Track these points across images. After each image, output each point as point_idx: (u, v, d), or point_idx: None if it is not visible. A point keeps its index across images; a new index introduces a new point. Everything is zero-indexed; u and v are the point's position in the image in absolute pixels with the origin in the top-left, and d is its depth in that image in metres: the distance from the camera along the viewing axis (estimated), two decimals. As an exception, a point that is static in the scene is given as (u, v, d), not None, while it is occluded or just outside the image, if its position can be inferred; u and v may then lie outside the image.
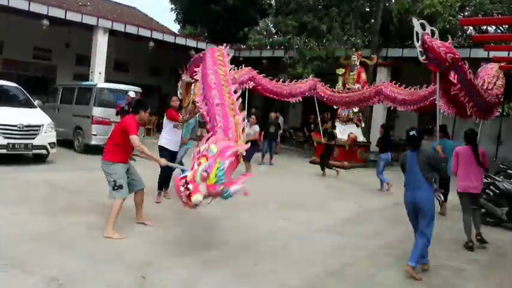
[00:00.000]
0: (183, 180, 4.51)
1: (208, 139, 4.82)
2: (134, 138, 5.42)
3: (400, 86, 12.01)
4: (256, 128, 11.17)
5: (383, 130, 11.05)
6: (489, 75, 8.02)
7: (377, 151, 16.81)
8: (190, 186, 4.42)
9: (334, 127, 15.12)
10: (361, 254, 5.79)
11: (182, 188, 4.46)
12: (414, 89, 11.31)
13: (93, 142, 12.12)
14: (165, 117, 7.69)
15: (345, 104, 13.83)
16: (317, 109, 14.52)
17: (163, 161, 5.82)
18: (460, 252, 6.28)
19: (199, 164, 4.53)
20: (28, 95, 11.07)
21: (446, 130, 9.02)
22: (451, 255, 6.04)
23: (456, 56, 5.65)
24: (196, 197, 4.38)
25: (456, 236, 7.11)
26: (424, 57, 5.76)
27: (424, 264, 5.25)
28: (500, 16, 17.98)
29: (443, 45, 5.61)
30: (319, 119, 14.89)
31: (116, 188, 5.47)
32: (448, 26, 18.01)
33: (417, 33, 5.69)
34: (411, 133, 5.24)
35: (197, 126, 9.49)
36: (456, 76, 5.88)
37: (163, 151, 7.40)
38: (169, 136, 7.60)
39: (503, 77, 8.36)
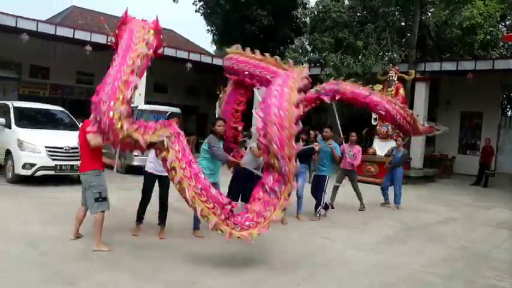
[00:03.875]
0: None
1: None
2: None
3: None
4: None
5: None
6: None
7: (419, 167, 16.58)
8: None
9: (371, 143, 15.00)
10: (403, 273, 5.66)
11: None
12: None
13: (135, 163, 12.40)
14: None
15: None
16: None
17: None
18: (510, 272, 6.06)
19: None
20: (73, 118, 11.51)
21: None
22: (501, 276, 5.83)
23: None
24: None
25: (505, 255, 6.88)
26: None
27: None
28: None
29: None
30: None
31: (101, 199, 5.62)
32: (489, 37, 17.64)
33: None
34: None
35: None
36: None
37: (148, 177, 6.47)
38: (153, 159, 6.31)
39: None
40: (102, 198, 5.59)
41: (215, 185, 6.48)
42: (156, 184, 6.51)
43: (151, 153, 6.33)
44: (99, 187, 5.61)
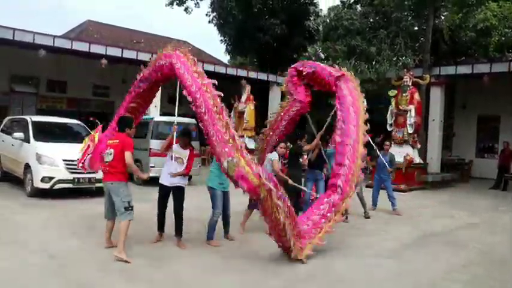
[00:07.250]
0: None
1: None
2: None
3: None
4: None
5: None
6: None
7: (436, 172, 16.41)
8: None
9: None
10: (423, 279, 5.61)
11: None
12: None
13: (151, 174, 12.42)
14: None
15: None
16: None
17: (145, 175, 6.28)
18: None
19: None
20: (90, 131, 11.65)
21: None
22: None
23: None
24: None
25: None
26: None
27: None
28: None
29: None
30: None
31: (130, 208, 5.81)
32: (504, 39, 17.42)
33: None
34: None
35: None
36: None
37: (162, 188, 6.56)
38: (167, 171, 6.45)
39: None
40: (131, 207, 5.81)
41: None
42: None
43: (166, 165, 6.48)
44: (128, 196, 5.84)
